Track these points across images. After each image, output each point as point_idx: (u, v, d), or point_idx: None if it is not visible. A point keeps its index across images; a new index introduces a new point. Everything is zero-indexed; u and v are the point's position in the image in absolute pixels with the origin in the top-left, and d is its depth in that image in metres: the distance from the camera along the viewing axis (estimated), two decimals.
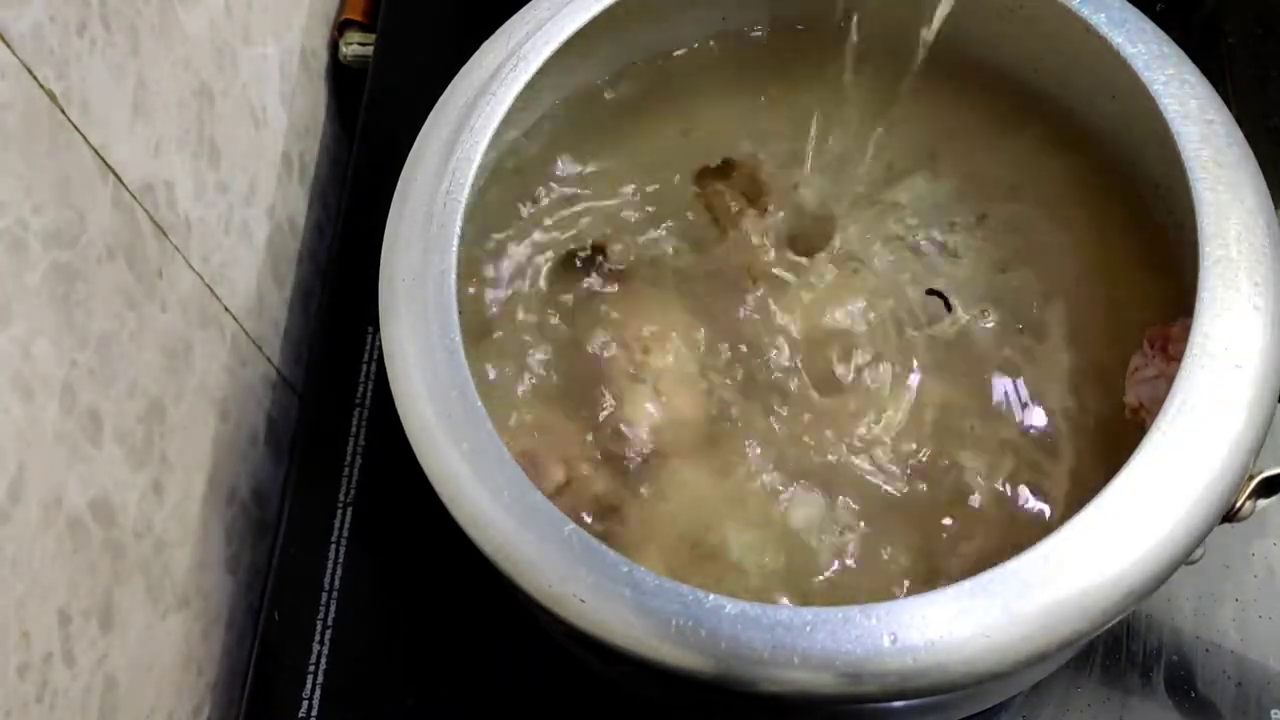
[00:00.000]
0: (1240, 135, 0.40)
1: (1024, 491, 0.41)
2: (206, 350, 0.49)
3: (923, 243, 0.45)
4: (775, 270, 0.45)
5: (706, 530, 0.40)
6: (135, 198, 0.43)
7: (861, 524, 0.40)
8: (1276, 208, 0.39)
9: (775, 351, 0.43)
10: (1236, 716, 0.45)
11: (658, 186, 0.47)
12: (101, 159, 0.41)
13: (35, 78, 0.37)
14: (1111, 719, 0.45)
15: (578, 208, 0.47)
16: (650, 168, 0.48)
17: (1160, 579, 0.34)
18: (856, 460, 0.41)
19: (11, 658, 0.36)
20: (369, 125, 0.59)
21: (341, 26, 0.63)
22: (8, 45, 0.36)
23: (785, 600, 0.39)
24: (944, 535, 0.40)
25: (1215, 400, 0.35)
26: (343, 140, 0.65)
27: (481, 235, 0.45)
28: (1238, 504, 0.36)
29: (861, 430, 0.42)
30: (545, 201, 0.47)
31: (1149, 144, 0.44)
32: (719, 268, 0.46)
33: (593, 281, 0.45)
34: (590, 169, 0.48)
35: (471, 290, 0.44)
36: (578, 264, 0.45)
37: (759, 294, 0.45)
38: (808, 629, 0.33)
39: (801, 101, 0.48)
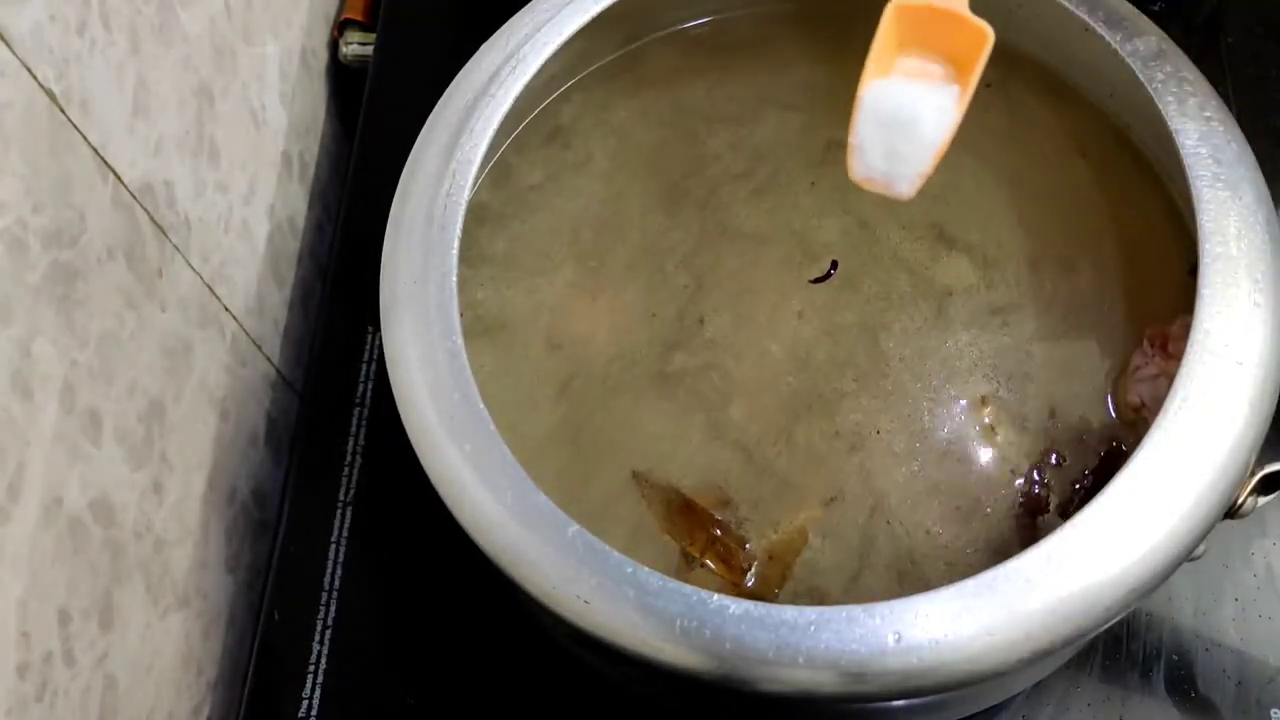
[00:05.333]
0: (1239, 132, 0.40)
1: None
2: (206, 350, 0.49)
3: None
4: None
5: None
6: (135, 197, 0.43)
7: None
8: (1275, 205, 0.39)
9: None
10: (1236, 716, 0.45)
11: None
12: (101, 159, 0.41)
13: (35, 77, 0.37)
14: (1111, 718, 0.45)
15: None
16: None
17: (1163, 576, 0.34)
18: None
19: (11, 657, 0.36)
20: (369, 125, 0.59)
21: (341, 26, 0.63)
22: (8, 45, 0.36)
23: None
24: None
25: (1216, 397, 0.35)
26: (343, 140, 0.64)
27: None
28: (1239, 501, 0.36)
29: None
30: None
31: (1150, 141, 0.44)
32: None
33: None
34: None
35: None
36: None
37: None
38: (812, 628, 0.33)
39: (807, 82, 0.49)
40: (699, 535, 0.40)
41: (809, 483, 0.41)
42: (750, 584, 0.40)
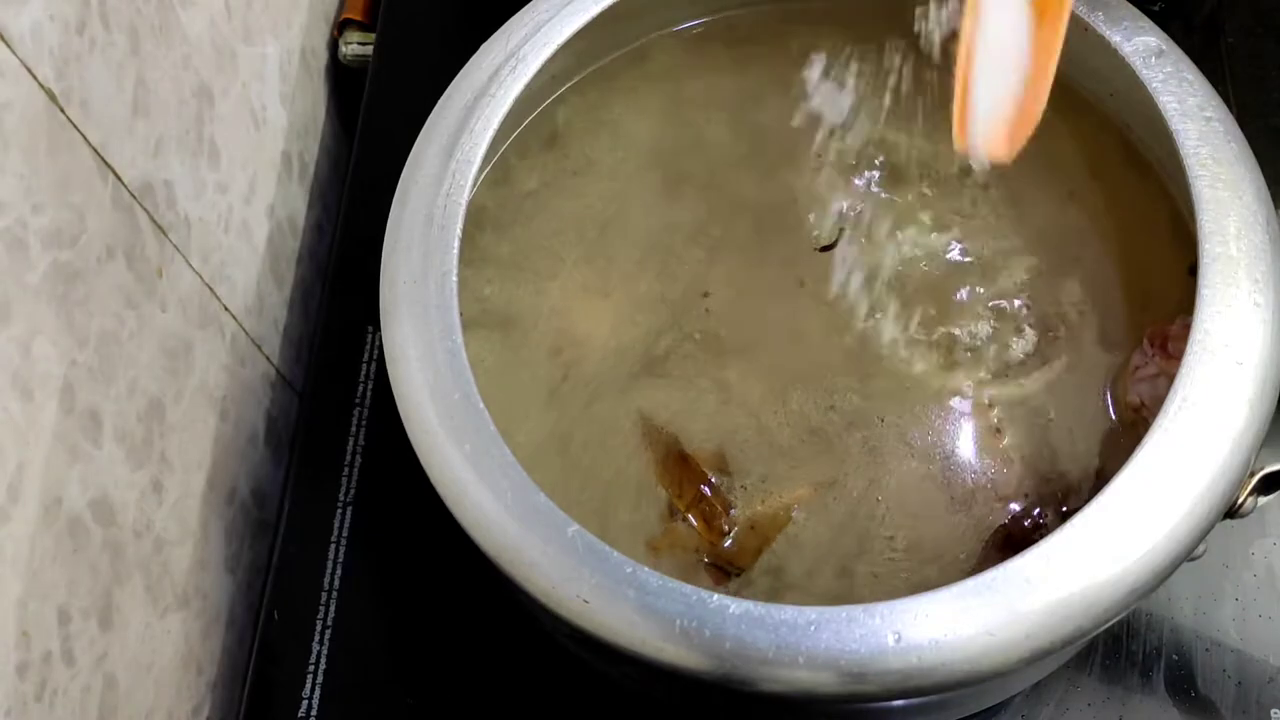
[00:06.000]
0: (1239, 132, 0.40)
1: None
2: (206, 350, 0.49)
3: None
4: None
5: None
6: (135, 197, 0.43)
7: None
8: (1275, 205, 0.39)
9: None
10: (1236, 715, 0.45)
11: None
12: (101, 159, 0.41)
13: (35, 77, 0.37)
14: (1111, 718, 0.45)
15: None
16: None
17: (1163, 576, 0.34)
18: None
19: (11, 657, 0.36)
20: (369, 125, 0.59)
21: (341, 26, 0.63)
22: (8, 45, 0.36)
23: None
24: None
25: (1216, 397, 0.35)
26: (343, 140, 0.64)
27: None
28: (1239, 500, 0.36)
29: None
30: None
31: (1150, 141, 0.44)
32: None
33: None
34: None
35: None
36: None
37: None
38: (811, 628, 0.33)
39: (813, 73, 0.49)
40: (688, 489, 0.41)
41: (805, 460, 0.42)
42: (727, 545, 0.40)
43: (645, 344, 0.44)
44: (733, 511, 0.41)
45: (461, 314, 0.39)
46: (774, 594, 0.40)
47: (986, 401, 0.43)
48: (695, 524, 0.40)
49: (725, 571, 0.40)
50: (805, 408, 0.43)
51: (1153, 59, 0.41)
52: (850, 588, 0.39)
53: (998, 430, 0.42)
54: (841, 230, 0.45)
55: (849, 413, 0.42)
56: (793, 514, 0.41)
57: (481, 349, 0.44)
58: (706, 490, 0.41)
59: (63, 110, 0.38)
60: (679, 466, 0.41)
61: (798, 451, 0.42)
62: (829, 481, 0.41)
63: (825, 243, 0.45)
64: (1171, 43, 0.42)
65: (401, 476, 0.40)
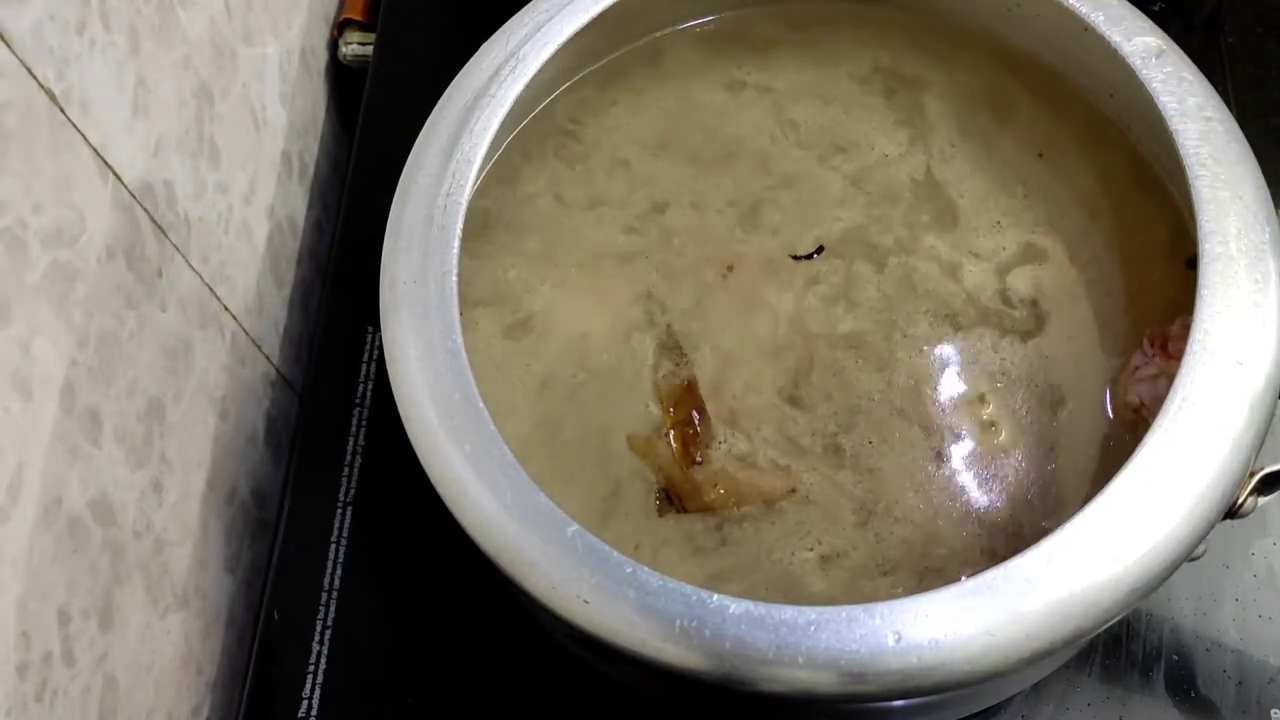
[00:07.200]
0: (1239, 132, 0.40)
1: None
2: (206, 350, 0.49)
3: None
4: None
5: None
6: (135, 197, 0.43)
7: None
8: (1275, 205, 0.39)
9: None
10: (1237, 716, 0.45)
11: None
12: (101, 159, 0.41)
13: (35, 77, 0.37)
14: (1111, 718, 0.45)
15: None
16: None
17: (1163, 576, 0.34)
18: None
19: (11, 657, 0.36)
20: (369, 125, 0.59)
21: (341, 26, 0.63)
22: (8, 45, 0.36)
23: None
24: None
25: (1216, 397, 0.35)
26: (343, 140, 0.65)
27: None
28: (1239, 500, 0.36)
29: None
30: None
31: (1150, 141, 0.44)
32: None
33: None
34: None
35: None
36: None
37: None
38: (811, 628, 0.33)
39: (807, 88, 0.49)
40: (681, 411, 0.42)
41: (804, 453, 0.42)
42: (689, 479, 0.41)
43: (654, 331, 0.45)
44: (710, 448, 0.41)
45: (461, 313, 0.39)
46: (709, 552, 0.40)
47: (982, 400, 0.43)
48: (673, 444, 0.41)
49: (670, 502, 0.40)
50: (815, 402, 0.43)
51: (1153, 59, 0.41)
52: (800, 575, 0.40)
53: (993, 425, 0.42)
54: (821, 248, 0.45)
55: (854, 409, 0.42)
56: (754, 501, 0.41)
57: (482, 342, 0.45)
58: (696, 418, 0.41)
59: (63, 110, 0.38)
60: (682, 388, 0.42)
61: (796, 447, 0.42)
62: (817, 475, 0.42)
63: (802, 252, 0.45)
64: (1171, 43, 0.42)
65: (401, 476, 0.40)
